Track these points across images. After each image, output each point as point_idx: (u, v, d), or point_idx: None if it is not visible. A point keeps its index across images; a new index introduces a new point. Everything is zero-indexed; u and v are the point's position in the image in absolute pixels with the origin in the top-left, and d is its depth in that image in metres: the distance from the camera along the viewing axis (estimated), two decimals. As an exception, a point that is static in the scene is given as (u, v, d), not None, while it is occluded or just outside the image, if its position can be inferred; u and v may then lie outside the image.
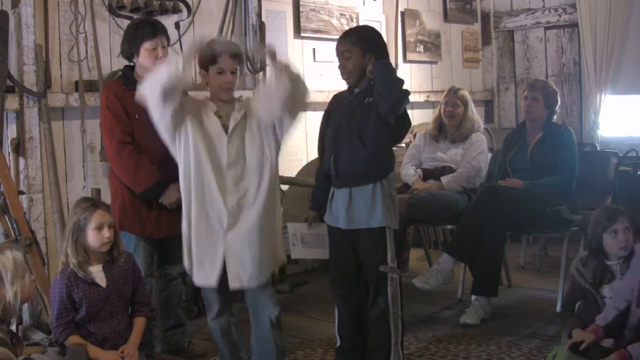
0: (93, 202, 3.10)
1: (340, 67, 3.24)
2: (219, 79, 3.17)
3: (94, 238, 3.03)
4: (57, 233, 3.99)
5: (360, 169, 3.16)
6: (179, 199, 3.30)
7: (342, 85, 3.40)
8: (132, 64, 3.57)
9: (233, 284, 3.12)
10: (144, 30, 3.52)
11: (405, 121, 3.21)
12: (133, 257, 3.28)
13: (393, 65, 3.32)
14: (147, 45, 3.48)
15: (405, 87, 3.12)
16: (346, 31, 3.35)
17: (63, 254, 3.04)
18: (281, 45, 5.27)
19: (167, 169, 3.47)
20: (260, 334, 3.25)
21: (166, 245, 3.63)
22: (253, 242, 3.10)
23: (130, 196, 3.48)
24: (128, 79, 3.54)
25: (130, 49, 3.54)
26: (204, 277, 3.14)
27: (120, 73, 4.19)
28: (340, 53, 3.23)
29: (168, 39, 3.59)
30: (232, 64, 3.16)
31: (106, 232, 3.05)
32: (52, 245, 3.97)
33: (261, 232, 3.12)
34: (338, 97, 3.38)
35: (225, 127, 3.15)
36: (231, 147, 3.13)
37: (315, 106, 5.53)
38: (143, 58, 3.50)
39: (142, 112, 3.47)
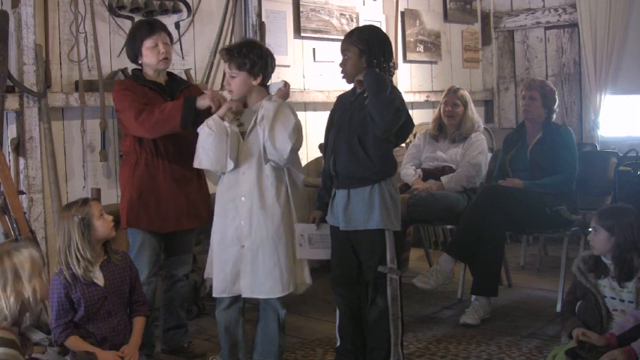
0: (81, 200, 3.10)
1: (340, 65, 3.24)
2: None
3: (102, 226, 3.04)
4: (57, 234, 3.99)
5: (358, 171, 3.16)
6: (213, 98, 3.33)
7: (342, 85, 3.40)
8: (139, 67, 3.59)
9: (245, 293, 3.22)
10: (142, 30, 3.55)
11: (408, 123, 3.20)
12: (129, 256, 3.29)
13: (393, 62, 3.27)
14: (147, 43, 3.50)
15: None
16: (350, 30, 3.35)
17: (64, 262, 3.03)
18: (281, 45, 5.27)
19: (178, 164, 3.51)
20: (267, 330, 3.30)
21: (173, 244, 3.64)
22: (267, 253, 3.16)
23: (137, 192, 3.49)
24: (138, 77, 3.56)
25: (132, 51, 3.57)
26: (227, 287, 3.21)
27: (120, 72, 4.21)
28: (342, 52, 3.23)
29: (169, 35, 3.60)
30: (226, 68, 3.23)
31: (108, 217, 3.09)
32: (52, 245, 3.97)
33: (275, 242, 3.17)
34: (341, 98, 3.38)
35: (243, 134, 3.23)
36: (245, 154, 3.19)
37: (315, 106, 5.56)
38: (146, 57, 3.52)
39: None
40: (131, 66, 3.72)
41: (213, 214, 3.40)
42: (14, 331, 2.58)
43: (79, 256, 2.99)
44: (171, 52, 3.61)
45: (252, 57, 3.18)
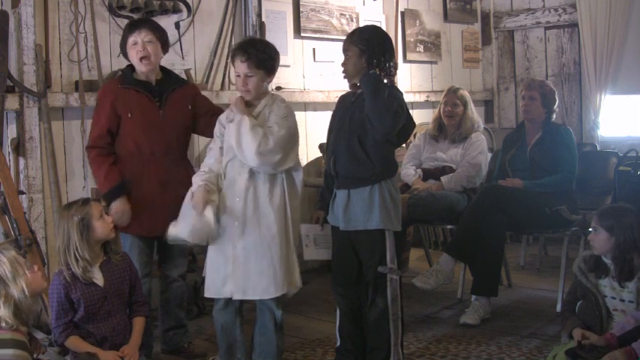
0: (82, 200, 3.11)
1: (342, 65, 3.23)
2: (237, 82, 3.22)
3: (101, 227, 3.04)
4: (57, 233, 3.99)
5: (357, 172, 3.15)
6: (124, 214, 3.36)
7: (342, 85, 3.40)
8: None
9: (236, 295, 3.20)
10: (126, 28, 3.54)
11: (408, 124, 3.19)
12: (129, 256, 3.28)
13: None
14: (129, 41, 3.48)
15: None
16: (352, 30, 3.35)
17: (63, 261, 3.02)
18: (281, 45, 5.27)
19: (165, 167, 3.47)
20: (264, 331, 3.29)
21: (165, 246, 3.61)
22: (260, 254, 3.14)
23: (126, 196, 3.47)
24: (126, 78, 3.53)
25: (122, 50, 3.56)
26: (218, 288, 3.21)
27: (120, 72, 4.20)
28: (343, 51, 3.22)
29: (155, 33, 3.50)
30: (243, 68, 3.16)
31: (108, 218, 3.10)
32: (52, 245, 3.96)
33: (268, 243, 3.15)
34: (343, 98, 3.37)
35: None
36: None
37: (315, 106, 5.56)
38: (130, 56, 3.51)
39: (136, 111, 3.46)
40: (133, 66, 3.72)
41: None
42: (24, 332, 2.59)
43: (77, 256, 2.99)
44: (156, 51, 3.50)
45: (270, 53, 3.18)
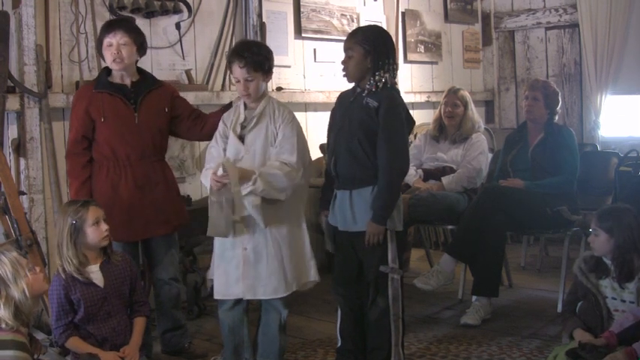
0: (82, 202, 3.09)
1: (342, 63, 3.22)
2: (238, 88, 3.22)
3: (93, 234, 3.02)
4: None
5: (358, 173, 3.14)
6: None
7: (343, 85, 3.39)
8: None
9: (247, 295, 3.21)
10: (103, 28, 3.51)
11: (408, 123, 3.19)
12: (128, 256, 3.26)
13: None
14: (104, 43, 3.45)
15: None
16: (355, 29, 3.33)
17: (59, 260, 3.02)
18: (281, 45, 5.27)
19: (141, 170, 3.45)
20: (267, 331, 3.30)
21: (150, 249, 3.60)
22: (271, 255, 3.14)
23: (102, 200, 3.39)
24: (100, 81, 3.51)
25: (98, 50, 3.55)
26: (228, 290, 3.21)
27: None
28: (345, 50, 3.21)
29: (131, 35, 3.45)
30: (242, 73, 3.16)
31: (104, 226, 3.05)
32: (52, 245, 3.95)
33: (279, 243, 3.15)
34: (342, 97, 3.35)
35: (243, 138, 3.20)
36: (247, 157, 3.17)
37: (315, 107, 5.56)
38: (105, 57, 3.48)
39: (110, 115, 3.43)
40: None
41: (187, 216, 3.46)
42: (24, 333, 2.59)
43: (67, 258, 2.98)
44: (131, 54, 3.45)
45: (264, 53, 3.18)
